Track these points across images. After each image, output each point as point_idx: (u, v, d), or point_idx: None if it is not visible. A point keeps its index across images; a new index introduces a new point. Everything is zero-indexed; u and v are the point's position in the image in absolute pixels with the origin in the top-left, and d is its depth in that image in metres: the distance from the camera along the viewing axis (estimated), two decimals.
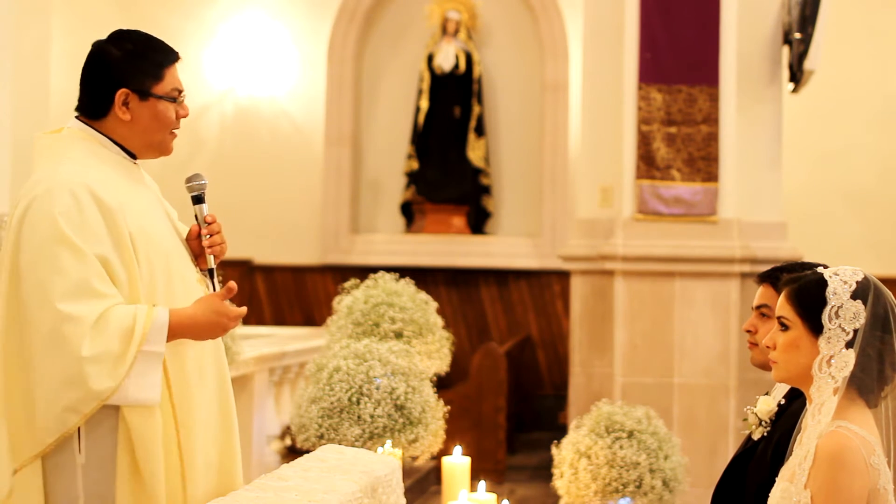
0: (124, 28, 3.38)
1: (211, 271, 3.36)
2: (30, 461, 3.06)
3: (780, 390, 3.57)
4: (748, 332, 3.63)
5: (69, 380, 3.00)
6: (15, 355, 3.08)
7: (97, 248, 3.08)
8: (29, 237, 3.08)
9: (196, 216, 3.39)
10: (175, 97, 3.29)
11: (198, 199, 3.39)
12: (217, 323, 3.19)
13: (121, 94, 3.24)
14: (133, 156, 3.33)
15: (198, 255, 3.38)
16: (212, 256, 3.35)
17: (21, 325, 3.06)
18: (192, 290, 3.28)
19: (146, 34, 3.35)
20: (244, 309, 3.29)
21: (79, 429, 3.07)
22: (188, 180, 3.40)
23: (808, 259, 4.14)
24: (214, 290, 3.36)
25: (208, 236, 3.35)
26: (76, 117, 3.30)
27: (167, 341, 3.11)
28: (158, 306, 3.12)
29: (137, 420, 3.08)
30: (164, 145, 3.34)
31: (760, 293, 3.59)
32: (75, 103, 3.33)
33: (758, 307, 3.59)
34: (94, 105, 3.28)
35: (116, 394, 3.03)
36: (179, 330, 3.14)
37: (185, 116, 3.34)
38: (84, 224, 3.09)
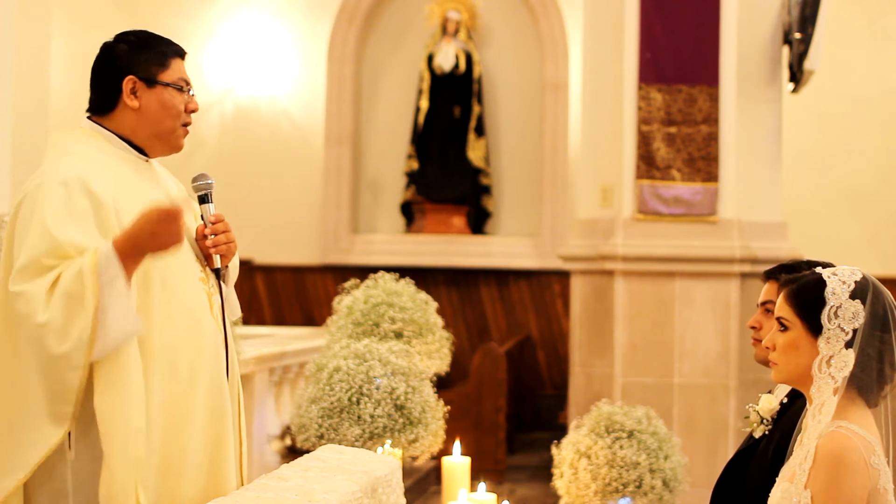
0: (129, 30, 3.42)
1: (216, 271, 3.36)
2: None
3: (783, 389, 3.57)
4: (752, 328, 3.64)
5: (38, 344, 2.97)
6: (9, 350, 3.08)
7: (73, 235, 3.06)
8: (14, 231, 3.10)
9: (202, 216, 3.39)
10: (182, 87, 3.32)
11: (203, 199, 3.39)
12: (151, 217, 3.05)
13: (128, 80, 3.27)
14: (145, 154, 3.34)
15: (207, 256, 3.37)
16: (217, 256, 3.35)
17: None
18: (193, 289, 3.26)
19: (150, 32, 3.39)
20: (176, 200, 3.16)
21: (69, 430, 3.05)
22: (194, 180, 3.41)
23: (807, 259, 4.14)
24: (220, 290, 3.37)
25: (212, 236, 3.35)
26: (87, 117, 3.33)
27: (127, 265, 3.04)
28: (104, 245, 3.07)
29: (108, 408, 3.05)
30: (174, 137, 3.34)
31: (766, 290, 3.60)
32: (75, 103, 3.33)
33: (763, 303, 3.60)
34: (102, 100, 3.31)
35: (98, 336, 2.98)
36: (126, 246, 3.05)
37: (194, 111, 3.37)
38: (67, 210, 3.08)
